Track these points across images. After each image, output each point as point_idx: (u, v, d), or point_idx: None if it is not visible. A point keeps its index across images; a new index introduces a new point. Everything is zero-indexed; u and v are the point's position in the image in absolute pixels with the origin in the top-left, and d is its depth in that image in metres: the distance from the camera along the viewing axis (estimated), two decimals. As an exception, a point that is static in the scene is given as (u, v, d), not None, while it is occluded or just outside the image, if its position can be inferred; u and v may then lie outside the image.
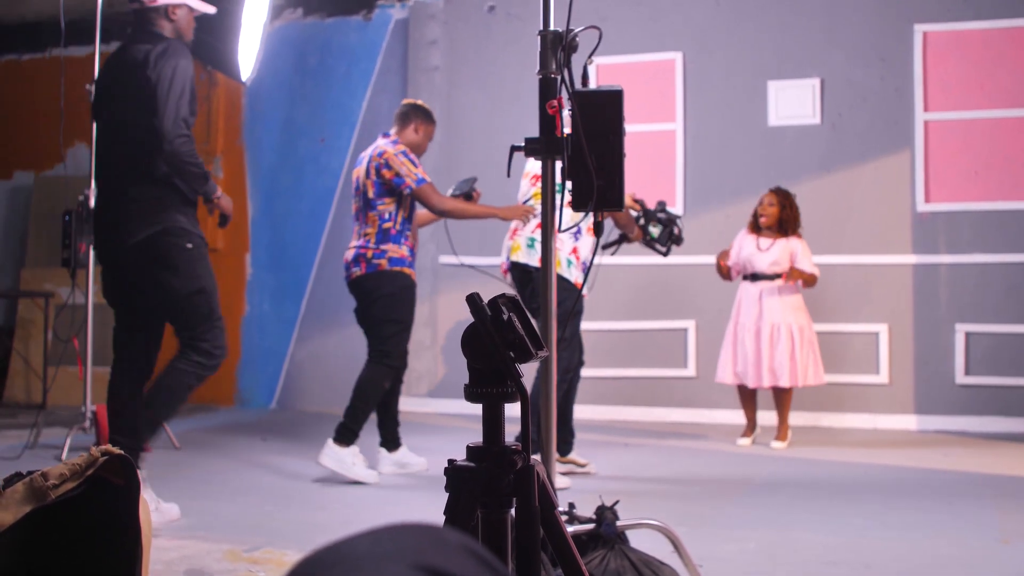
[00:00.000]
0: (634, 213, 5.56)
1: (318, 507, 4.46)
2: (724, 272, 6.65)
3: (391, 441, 5.47)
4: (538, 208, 5.19)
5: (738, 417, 7.26)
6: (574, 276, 5.13)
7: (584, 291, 4.92)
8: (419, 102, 5.64)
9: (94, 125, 4.31)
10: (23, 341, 9.06)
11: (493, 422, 1.66)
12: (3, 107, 9.94)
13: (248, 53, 6.64)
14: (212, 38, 4.76)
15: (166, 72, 3.88)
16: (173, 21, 4.10)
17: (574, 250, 5.19)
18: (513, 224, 5.33)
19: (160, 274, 4.06)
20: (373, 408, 5.18)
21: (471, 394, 1.64)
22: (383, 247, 5.18)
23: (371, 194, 5.24)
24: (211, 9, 4.29)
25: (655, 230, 5.56)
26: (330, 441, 5.05)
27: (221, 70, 5.64)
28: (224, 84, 9.12)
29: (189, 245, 4.06)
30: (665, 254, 5.61)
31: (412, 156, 5.25)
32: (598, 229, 2.76)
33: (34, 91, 9.62)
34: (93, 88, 5.79)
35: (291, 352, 8.92)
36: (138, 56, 3.95)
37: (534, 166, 5.38)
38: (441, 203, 5.20)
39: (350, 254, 5.30)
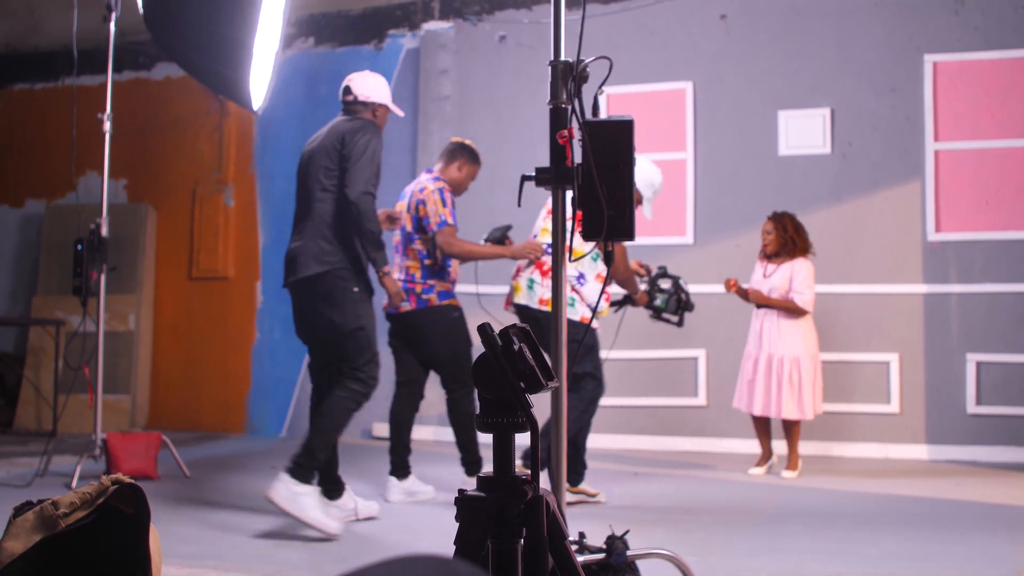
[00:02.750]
0: (640, 281, 5.61)
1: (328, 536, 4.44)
2: (737, 291, 6.59)
3: (401, 469, 5.45)
4: (545, 244, 5.28)
5: (749, 446, 7.23)
6: (579, 313, 5.18)
7: (594, 324, 5.14)
8: (467, 142, 5.82)
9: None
10: (34, 369, 9.08)
11: (503, 452, 1.66)
12: (16, 136, 10.01)
13: (260, 82, 6.68)
14: (224, 67, 4.80)
15: (359, 143, 4.58)
16: (376, 116, 4.88)
17: (573, 289, 5.23)
18: (517, 262, 5.42)
19: (325, 311, 4.60)
20: (476, 432, 5.33)
21: (482, 424, 1.64)
22: (430, 282, 5.42)
23: (409, 228, 5.48)
24: (401, 113, 5.19)
25: (660, 300, 5.55)
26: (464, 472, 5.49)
27: (233, 99, 5.67)
28: (236, 113, 9.17)
29: (356, 289, 4.57)
30: (679, 324, 5.64)
31: (447, 195, 5.46)
32: (608, 259, 2.76)
33: (47, 120, 9.69)
34: (106, 119, 5.83)
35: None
36: (341, 130, 4.68)
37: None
38: (450, 248, 5.36)
39: None
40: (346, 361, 4.57)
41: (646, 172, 5.34)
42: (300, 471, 4.38)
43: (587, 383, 5.22)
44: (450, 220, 5.38)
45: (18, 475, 5.92)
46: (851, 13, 7.79)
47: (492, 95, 8.54)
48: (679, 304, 5.56)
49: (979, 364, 7.34)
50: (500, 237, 5.68)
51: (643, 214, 5.33)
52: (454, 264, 5.58)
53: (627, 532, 3.08)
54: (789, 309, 6.39)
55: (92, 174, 8.88)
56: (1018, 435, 7.21)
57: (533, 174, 2.78)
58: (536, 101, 8.01)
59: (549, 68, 2.74)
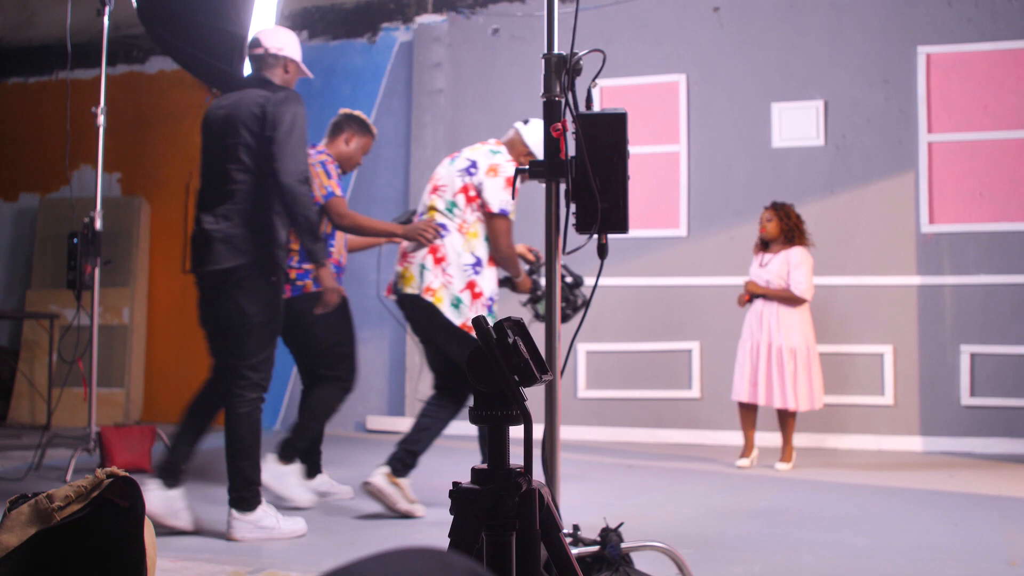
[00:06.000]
0: (526, 266, 5.02)
1: (322, 529, 4.45)
2: (747, 301, 6.56)
3: (311, 467, 5.26)
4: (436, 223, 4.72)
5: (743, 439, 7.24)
6: (463, 318, 4.60)
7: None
8: (356, 112, 5.37)
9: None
10: (28, 362, 9.08)
11: (498, 445, 1.66)
12: (10, 129, 9.99)
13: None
14: (218, 60, 4.79)
15: (287, 118, 4.17)
16: (287, 73, 4.49)
17: (469, 285, 4.63)
18: (402, 246, 4.84)
19: (238, 300, 4.21)
20: (321, 429, 5.06)
21: (476, 416, 1.65)
22: (306, 267, 4.94)
23: None
24: (310, 74, 4.72)
25: (542, 308, 4.86)
26: (270, 456, 4.87)
27: (227, 92, 5.66)
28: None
29: (273, 279, 4.22)
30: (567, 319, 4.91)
31: (331, 167, 5.04)
32: (602, 252, 2.76)
33: (40, 114, 9.68)
34: (100, 113, 5.82)
35: (295, 373, 8.92)
36: (258, 100, 4.25)
37: (437, 173, 4.91)
38: (341, 220, 4.90)
39: None
40: (242, 358, 4.20)
41: (542, 134, 4.96)
42: (242, 502, 4.17)
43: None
44: (337, 191, 4.94)
45: (12, 468, 5.92)
46: (844, 5, 7.80)
47: (485, 88, 8.54)
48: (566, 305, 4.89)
49: (973, 356, 7.36)
50: (405, 221, 5.07)
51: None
52: (337, 246, 5.11)
53: (621, 524, 3.09)
54: (787, 299, 6.35)
55: (86, 168, 8.88)
56: (1012, 426, 7.23)
57: (527, 167, 2.78)
58: (530, 94, 8.02)
59: (543, 61, 2.74)
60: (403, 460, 4.65)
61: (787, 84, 7.86)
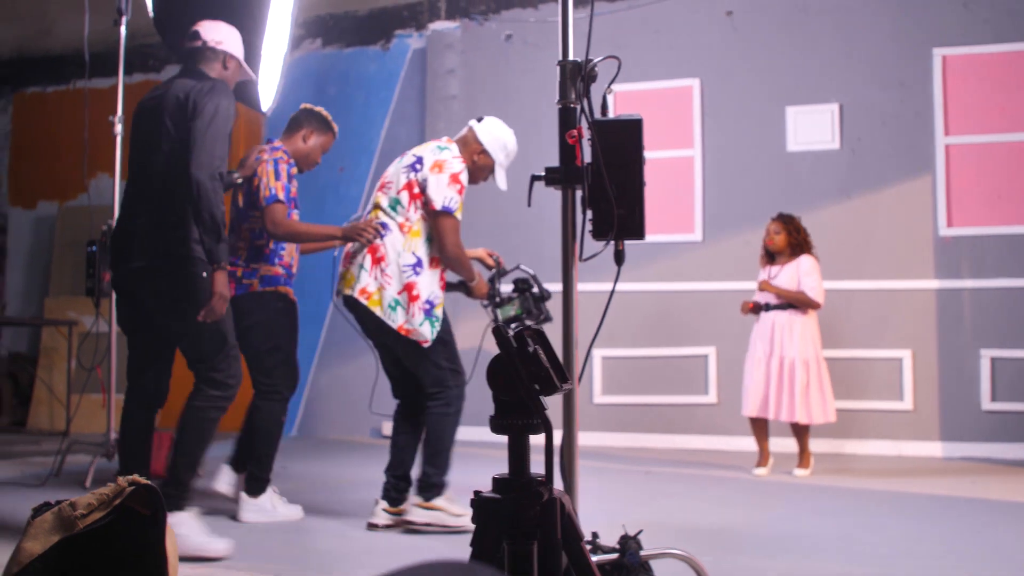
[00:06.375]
0: (486, 272, 4.89)
1: (339, 535, 4.46)
2: (750, 309, 6.51)
3: (241, 462, 5.02)
4: (378, 221, 4.54)
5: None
6: (400, 321, 4.42)
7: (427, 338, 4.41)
8: (317, 108, 5.05)
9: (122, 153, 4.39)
10: (47, 369, 9.12)
11: (519, 454, 1.67)
12: (28, 138, 10.05)
13: (268, 83, 6.72)
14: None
15: (208, 108, 3.93)
16: (227, 69, 4.27)
17: (407, 287, 4.42)
18: (347, 247, 4.67)
19: (174, 302, 4.03)
20: (277, 446, 4.85)
21: (497, 426, 1.65)
22: (254, 266, 4.75)
23: (241, 203, 4.81)
24: (254, 77, 4.53)
25: (502, 313, 4.70)
26: (245, 496, 4.75)
27: (242, 100, 5.68)
28: (244, 114, 9.19)
29: (204, 274, 3.96)
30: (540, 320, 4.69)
31: (282, 167, 4.72)
32: (619, 258, 2.76)
33: (58, 122, 9.74)
34: (117, 122, 5.85)
35: (311, 379, 8.94)
36: (185, 88, 4.03)
37: (386, 171, 4.73)
38: (275, 228, 4.63)
39: None
40: (201, 362, 4.07)
41: (497, 133, 4.67)
42: (171, 501, 3.93)
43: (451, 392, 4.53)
44: (280, 195, 4.62)
45: (33, 475, 5.94)
46: (858, 7, 7.78)
47: (499, 94, 8.55)
48: (519, 322, 4.64)
49: (993, 360, 7.32)
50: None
51: (497, 183, 4.73)
52: (288, 249, 4.88)
53: (640, 532, 3.08)
54: (801, 301, 6.31)
55: (103, 176, 8.92)
56: (1032, 431, 7.18)
57: (543, 173, 2.78)
58: (543, 100, 8.02)
59: (558, 68, 2.74)
60: (429, 479, 4.52)
61: (801, 87, 7.84)
